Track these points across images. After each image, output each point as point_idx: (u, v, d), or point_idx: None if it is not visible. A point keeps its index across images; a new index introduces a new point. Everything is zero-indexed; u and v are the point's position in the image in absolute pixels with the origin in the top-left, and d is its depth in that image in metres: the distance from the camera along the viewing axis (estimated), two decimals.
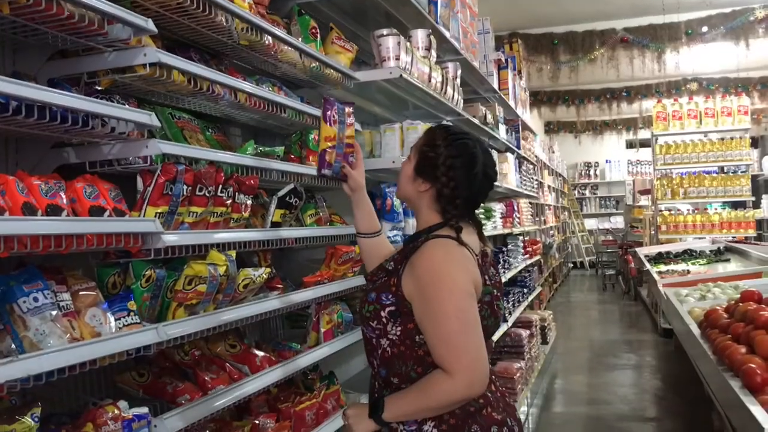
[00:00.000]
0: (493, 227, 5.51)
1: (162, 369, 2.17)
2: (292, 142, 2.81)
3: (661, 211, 9.96)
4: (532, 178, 8.73)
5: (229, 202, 2.10)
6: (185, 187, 1.88)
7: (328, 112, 2.23)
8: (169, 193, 1.84)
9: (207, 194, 1.98)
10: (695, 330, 3.24)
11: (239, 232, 2.16)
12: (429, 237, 1.87)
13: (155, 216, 1.80)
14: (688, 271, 6.21)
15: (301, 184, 2.60)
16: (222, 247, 2.08)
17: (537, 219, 9.65)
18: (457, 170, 1.90)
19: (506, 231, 6.24)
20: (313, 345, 2.82)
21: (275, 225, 2.45)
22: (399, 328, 1.81)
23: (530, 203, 8.61)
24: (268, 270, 2.24)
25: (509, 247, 6.51)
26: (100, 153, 1.82)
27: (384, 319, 1.83)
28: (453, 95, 4.38)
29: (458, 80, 4.50)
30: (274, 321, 3.16)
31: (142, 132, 1.81)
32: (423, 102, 4.13)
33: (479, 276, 1.86)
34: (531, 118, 10.01)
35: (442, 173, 1.91)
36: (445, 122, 4.20)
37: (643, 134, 16.51)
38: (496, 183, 5.32)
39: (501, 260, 5.76)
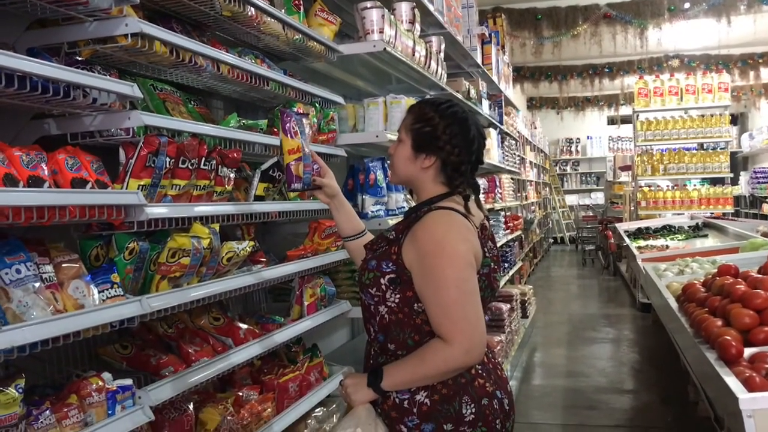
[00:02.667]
0: None
1: (145, 341, 2.17)
2: (274, 115, 2.79)
3: (641, 187, 10.05)
4: (515, 154, 8.76)
5: (212, 175, 2.09)
6: (168, 159, 1.87)
7: (287, 125, 2.17)
8: (152, 165, 1.83)
9: (190, 167, 1.97)
10: (673, 303, 3.29)
11: (222, 206, 2.16)
12: (432, 208, 1.88)
13: (138, 188, 1.79)
14: (667, 246, 6.29)
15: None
16: (205, 220, 2.08)
17: (518, 195, 9.70)
18: (458, 136, 1.91)
19: (488, 206, 6.27)
20: (296, 318, 2.83)
21: (258, 198, 2.45)
22: (398, 296, 1.83)
23: (512, 179, 8.65)
24: (252, 243, 2.24)
25: (491, 222, 6.54)
26: (82, 124, 1.81)
27: (383, 287, 1.85)
28: (437, 69, 4.36)
29: (442, 54, 4.48)
30: (257, 294, 3.17)
31: (124, 103, 1.80)
32: (406, 76, 4.12)
33: (479, 247, 1.87)
34: (513, 93, 10.01)
35: (445, 142, 1.91)
36: (428, 97, 4.19)
37: (625, 111, 16.58)
38: None
39: None
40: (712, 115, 9.68)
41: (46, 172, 1.56)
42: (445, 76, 4.63)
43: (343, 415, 1.97)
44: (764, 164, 15.06)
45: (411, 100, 3.66)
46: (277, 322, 2.71)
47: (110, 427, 1.62)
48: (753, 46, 13.44)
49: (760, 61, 13.90)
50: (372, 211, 3.11)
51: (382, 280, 1.85)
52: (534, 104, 18.16)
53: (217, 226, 2.07)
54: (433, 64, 4.23)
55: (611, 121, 18.87)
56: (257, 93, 2.68)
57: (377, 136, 3.14)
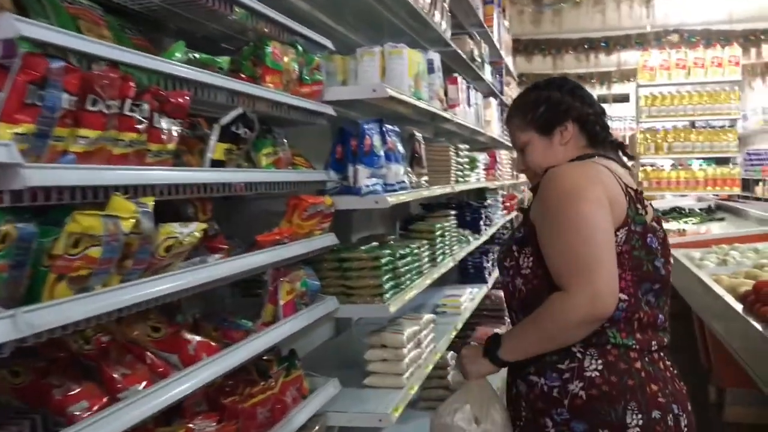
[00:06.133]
0: (476, 179, 4.91)
1: (51, 363, 1.52)
2: (242, 57, 2.13)
3: (642, 166, 9.48)
4: None
5: (142, 126, 1.43)
6: (66, 96, 1.21)
7: None
8: (37, 103, 1.16)
9: (105, 111, 1.31)
10: (734, 304, 2.69)
11: (157, 171, 1.49)
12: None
13: (12, 138, 1.13)
14: (684, 231, 5.73)
15: (252, 111, 1.94)
16: (134, 191, 1.42)
17: (513, 173, 9.07)
18: (578, 91, 1.85)
19: (488, 185, 5.64)
20: (269, 321, 2.20)
21: (217, 164, 1.79)
22: (530, 259, 1.68)
23: (511, 157, 8.03)
24: (205, 226, 1.58)
25: (489, 201, 5.92)
26: None
27: (515, 253, 1.72)
28: (440, 22, 3.72)
29: (446, 3, 3.83)
30: (221, 288, 2.51)
31: None
32: (406, 25, 3.47)
33: (621, 195, 1.65)
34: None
35: (568, 104, 1.81)
36: (431, 54, 3.53)
37: (618, 89, 15.99)
38: (480, 130, 4.69)
39: (483, 216, 5.17)
40: (721, 90, 9.07)
41: None
42: (449, 32, 3.99)
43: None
44: (758, 146, 14.57)
45: (415, 53, 3.02)
46: (243, 329, 2.08)
47: None
48: (759, 22, 12.83)
49: (763, 37, 13.29)
50: (367, 186, 2.47)
51: (514, 247, 1.73)
52: (524, 81, 17.42)
53: (151, 201, 1.42)
54: (438, 15, 3.58)
55: (602, 100, 18.23)
56: (219, 24, 2.01)
57: (374, 90, 2.49)
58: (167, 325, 1.73)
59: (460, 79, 4.15)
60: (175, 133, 1.55)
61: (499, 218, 6.20)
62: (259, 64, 2.11)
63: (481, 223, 5.01)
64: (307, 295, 2.35)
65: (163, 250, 1.46)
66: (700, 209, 7.02)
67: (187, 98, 1.57)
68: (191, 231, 1.52)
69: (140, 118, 1.41)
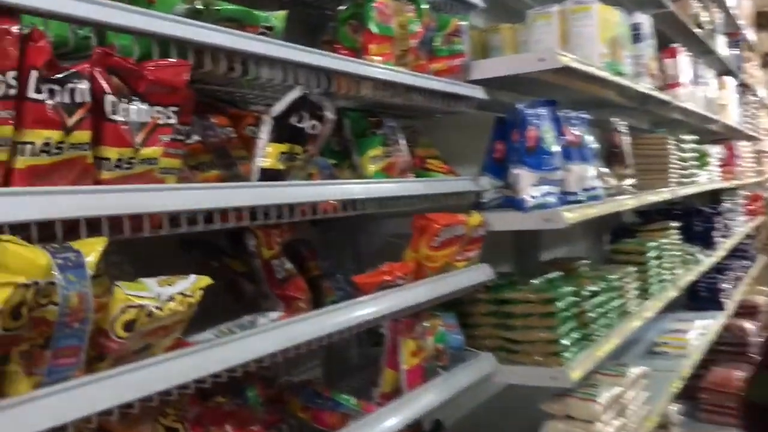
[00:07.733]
0: (708, 179, 3.86)
1: None
2: (339, 21, 1.51)
3: None
4: (756, 115, 6.69)
5: (73, 118, 0.84)
6: None
7: None
8: None
9: None
10: None
11: (112, 193, 0.88)
12: None
13: None
14: None
15: (323, 94, 1.29)
16: (63, 229, 0.84)
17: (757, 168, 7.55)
18: None
19: (725, 185, 4.51)
20: (389, 392, 1.56)
21: (269, 175, 1.17)
22: None
23: (758, 150, 6.63)
24: (207, 281, 0.95)
25: (726, 205, 4.75)
26: None
27: None
28: None
29: None
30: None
31: None
32: None
33: None
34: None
35: None
36: (637, 16, 2.67)
37: None
38: (712, 116, 3.45)
39: (718, 225, 4.10)
40: None
41: None
42: None
43: None
44: None
45: (610, 10, 2.22)
46: (341, 410, 1.45)
47: None
48: None
49: None
50: (532, 196, 1.72)
51: None
52: None
53: (97, 246, 0.83)
54: None
55: None
56: None
57: (542, 60, 1.72)
58: (196, 423, 1.13)
59: (681, 51, 3.20)
60: (165, 132, 0.95)
61: (739, 226, 5.01)
62: (359, 30, 1.47)
63: (715, 234, 3.96)
64: (444, 354, 1.67)
65: (121, 327, 0.86)
66: None
67: (184, 73, 0.96)
68: (177, 292, 0.90)
69: (67, 103, 0.83)
